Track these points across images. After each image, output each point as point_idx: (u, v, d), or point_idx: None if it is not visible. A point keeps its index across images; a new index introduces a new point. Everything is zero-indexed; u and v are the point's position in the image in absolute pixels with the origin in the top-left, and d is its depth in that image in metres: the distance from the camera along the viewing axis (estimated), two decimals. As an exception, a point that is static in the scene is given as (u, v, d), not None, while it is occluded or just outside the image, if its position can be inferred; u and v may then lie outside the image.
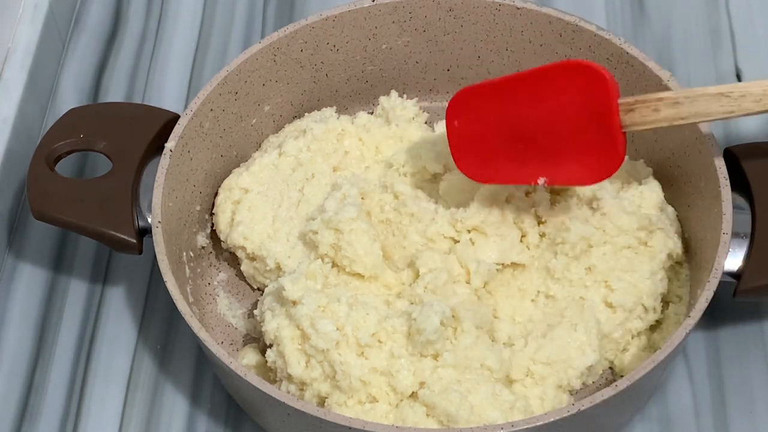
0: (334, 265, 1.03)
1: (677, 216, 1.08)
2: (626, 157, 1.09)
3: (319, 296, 0.98)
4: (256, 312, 1.03)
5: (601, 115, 0.92)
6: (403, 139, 1.12)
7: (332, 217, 1.02)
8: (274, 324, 0.99)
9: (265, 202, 1.08)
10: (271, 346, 1.00)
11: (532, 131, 0.95)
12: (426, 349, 0.97)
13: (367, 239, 1.02)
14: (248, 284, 1.11)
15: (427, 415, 0.96)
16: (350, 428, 0.90)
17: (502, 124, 0.97)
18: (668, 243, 1.04)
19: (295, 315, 0.98)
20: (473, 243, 1.04)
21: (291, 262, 1.05)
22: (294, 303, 0.99)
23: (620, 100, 0.93)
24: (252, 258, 1.08)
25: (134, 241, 1.04)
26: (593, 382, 1.04)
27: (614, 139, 0.93)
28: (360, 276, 1.03)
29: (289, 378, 0.99)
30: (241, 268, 1.09)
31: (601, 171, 0.94)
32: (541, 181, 0.98)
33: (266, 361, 1.01)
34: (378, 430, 0.90)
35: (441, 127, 1.13)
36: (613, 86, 0.92)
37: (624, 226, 1.03)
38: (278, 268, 1.06)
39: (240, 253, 1.08)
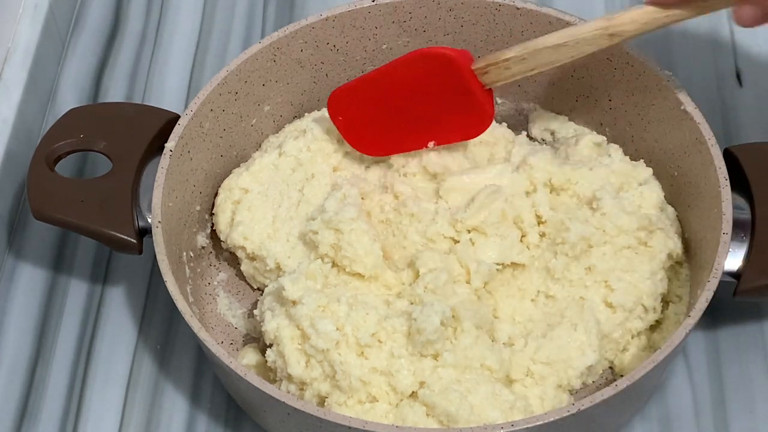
0: (334, 265, 1.03)
1: (677, 216, 1.08)
2: (626, 157, 1.10)
3: (319, 296, 0.98)
4: (255, 312, 1.03)
5: (461, 84, 1.03)
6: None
7: (332, 217, 1.02)
8: (274, 324, 0.99)
9: (265, 202, 1.08)
10: (270, 346, 1.00)
11: (412, 108, 1.06)
12: (426, 349, 0.97)
13: (367, 239, 1.02)
14: (248, 284, 1.11)
15: (427, 414, 0.96)
16: (350, 428, 0.90)
17: (383, 109, 1.07)
18: (668, 243, 1.04)
19: (295, 315, 0.98)
20: (473, 243, 1.04)
21: (291, 262, 1.05)
22: (294, 303, 0.99)
23: (474, 66, 1.03)
24: (252, 258, 1.08)
25: (134, 241, 1.04)
26: (593, 382, 1.04)
27: (479, 98, 1.04)
28: (360, 276, 1.03)
29: (289, 378, 0.99)
30: (241, 268, 1.09)
31: (478, 126, 1.06)
32: (430, 144, 1.08)
33: (266, 361, 1.01)
34: (378, 429, 0.90)
35: None
36: (460, 61, 1.03)
37: (624, 226, 1.03)
38: (278, 268, 1.06)
39: (240, 253, 1.08)
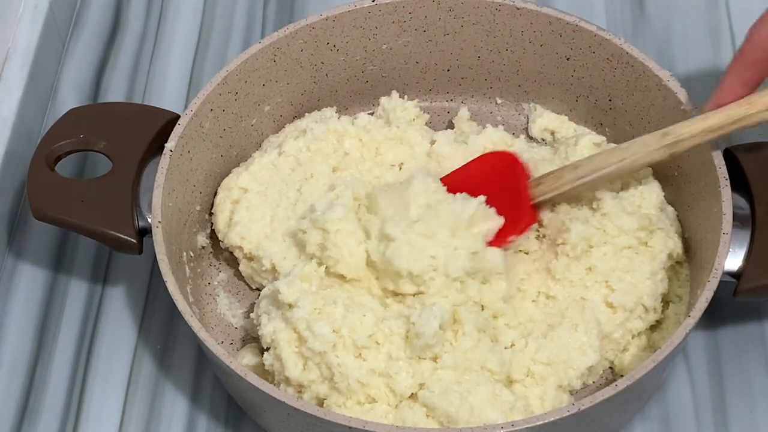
0: (320, 264, 1.03)
1: (677, 216, 1.08)
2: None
3: (315, 298, 0.98)
4: (252, 315, 1.03)
5: (516, 182, 1.06)
6: (403, 141, 1.12)
7: (319, 217, 1.02)
8: (270, 327, 0.99)
9: (263, 202, 1.08)
10: (268, 349, 1.00)
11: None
12: (424, 352, 0.97)
13: (353, 241, 1.02)
14: (248, 284, 1.11)
15: (427, 415, 0.96)
16: (350, 428, 0.90)
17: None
18: (668, 243, 1.04)
19: (291, 318, 0.98)
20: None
21: (286, 263, 1.05)
22: (290, 306, 0.98)
23: (531, 180, 1.06)
24: (249, 258, 1.07)
25: (134, 241, 1.04)
26: (593, 382, 1.04)
27: (526, 199, 1.05)
28: (343, 277, 1.02)
29: (287, 381, 0.98)
30: (239, 269, 1.09)
31: (516, 228, 1.05)
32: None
33: (266, 362, 1.01)
34: (378, 429, 0.90)
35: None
36: (520, 164, 1.07)
37: (624, 226, 1.03)
38: (274, 269, 1.05)
39: (238, 253, 1.08)
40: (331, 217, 1.01)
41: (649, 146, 1.00)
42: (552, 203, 1.06)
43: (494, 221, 1.03)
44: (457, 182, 1.07)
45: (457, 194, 1.05)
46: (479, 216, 1.03)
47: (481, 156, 1.10)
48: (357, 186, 1.06)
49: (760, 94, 0.98)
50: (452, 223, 1.01)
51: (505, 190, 1.06)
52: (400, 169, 1.11)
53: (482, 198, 1.04)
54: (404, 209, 1.03)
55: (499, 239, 1.03)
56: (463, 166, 1.10)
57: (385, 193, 1.05)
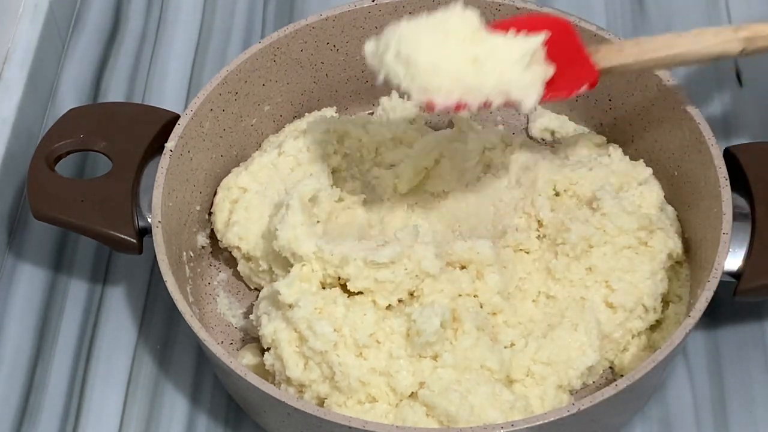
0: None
1: (677, 216, 1.08)
2: (626, 157, 1.10)
3: (315, 298, 0.98)
4: (252, 317, 1.03)
5: (574, 48, 1.00)
6: (403, 141, 1.12)
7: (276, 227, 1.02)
8: (271, 328, 0.99)
9: (262, 202, 1.08)
10: (268, 349, 1.00)
11: None
12: (425, 350, 0.97)
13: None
14: (247, 284, 1.11)
15: (427, 415, 0.96)
16: (350, 428, 0.90)
17: None
18: (668, 243, 1.04)
19: (291, 318, 0.98)
20: None
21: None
22: (290, 306, 0.98)
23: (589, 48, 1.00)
24: (247, 258, 1.07)
25: (134, 241, 1.04)
26: (593, 382, 1.04)
27: (586, 56, 1.00)
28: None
29: (288, 380, 0.98)
30: (238, 269, 1.09)
31: (576, 83, 0.99)
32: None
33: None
34: (378, 429, 0.90)
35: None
36: (577, 35, 1.00)
37: (624, 226, 1.03)
38: (271, 269, 1.05)
39: (236, 253, 1.08)
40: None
41: (722, 36, 0.96)
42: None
43: (549, 68, 0.97)
44: (501, 28, 0.98)
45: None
46: (537, 58, 0.97)
47: (529, 16, 1.02)
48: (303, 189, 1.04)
49: None
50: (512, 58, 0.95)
51: (561, 48, 0.98)
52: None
53: (542, 36, 0.96)
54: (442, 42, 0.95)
55: (557, 90, 0.98)
56: (509, 19, 1.01)
57: (413, 26, 0.97)
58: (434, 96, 0.93)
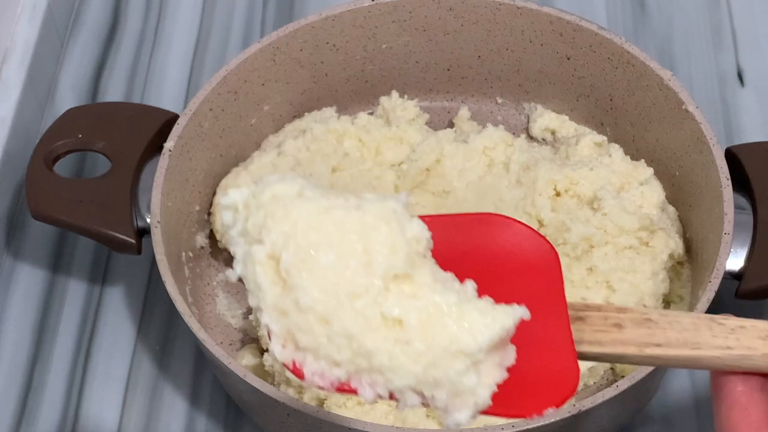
0: None
1: (678, 216, 1.07)
2: (627, 157, 1.09)
3: None
4: (251, 317, 1.03)
5: (554, 316, 0.64)
6: (403, 141, 1.12)
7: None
8: (270, 329, 0.98)
9: (262, 202, 1.07)
10: (268, 350, 1.00)
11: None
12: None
13: None
14: (247, 285, 1.10)
15: (427, 416, 0.96)
16: (350, 429, 0.90)
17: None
18: (670, 243, 1.04)
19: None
20: None
21: None
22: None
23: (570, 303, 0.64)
24: (247, 259, 1.07)
25: (133, 241, 1.03)
26: (594, 383, 1.03)
27: (568, 356, 0.64)
28: None
29: (288, 381, 0.98)
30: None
31: (556, 394, 0.63)
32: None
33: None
34: (378, 430, 0.90)
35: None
36: (561, 279, 0.65)
37: (625, 226, 1.03)
38: (267, 270, 1.05)
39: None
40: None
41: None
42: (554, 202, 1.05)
43: (508, 355, 0.61)
44: (446, 246, 0.63)
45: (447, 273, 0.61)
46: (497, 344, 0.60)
47: (492, 217, 0.65)
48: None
49: None
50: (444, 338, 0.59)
51: (534, 307, 0.61)
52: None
53: (521, 311, 0.60)
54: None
55: (515, 403, 0.62)
56: (458, 216, 0.66)
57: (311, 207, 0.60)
58: (305, 362, 0.60)
